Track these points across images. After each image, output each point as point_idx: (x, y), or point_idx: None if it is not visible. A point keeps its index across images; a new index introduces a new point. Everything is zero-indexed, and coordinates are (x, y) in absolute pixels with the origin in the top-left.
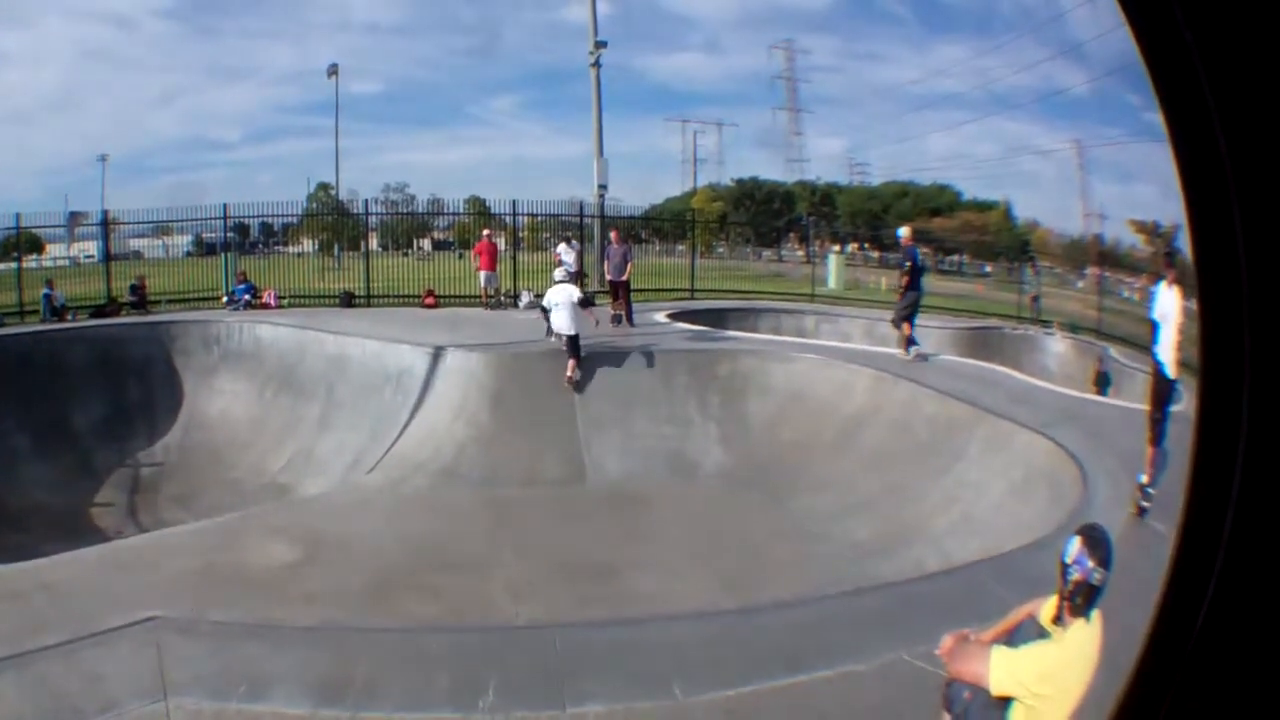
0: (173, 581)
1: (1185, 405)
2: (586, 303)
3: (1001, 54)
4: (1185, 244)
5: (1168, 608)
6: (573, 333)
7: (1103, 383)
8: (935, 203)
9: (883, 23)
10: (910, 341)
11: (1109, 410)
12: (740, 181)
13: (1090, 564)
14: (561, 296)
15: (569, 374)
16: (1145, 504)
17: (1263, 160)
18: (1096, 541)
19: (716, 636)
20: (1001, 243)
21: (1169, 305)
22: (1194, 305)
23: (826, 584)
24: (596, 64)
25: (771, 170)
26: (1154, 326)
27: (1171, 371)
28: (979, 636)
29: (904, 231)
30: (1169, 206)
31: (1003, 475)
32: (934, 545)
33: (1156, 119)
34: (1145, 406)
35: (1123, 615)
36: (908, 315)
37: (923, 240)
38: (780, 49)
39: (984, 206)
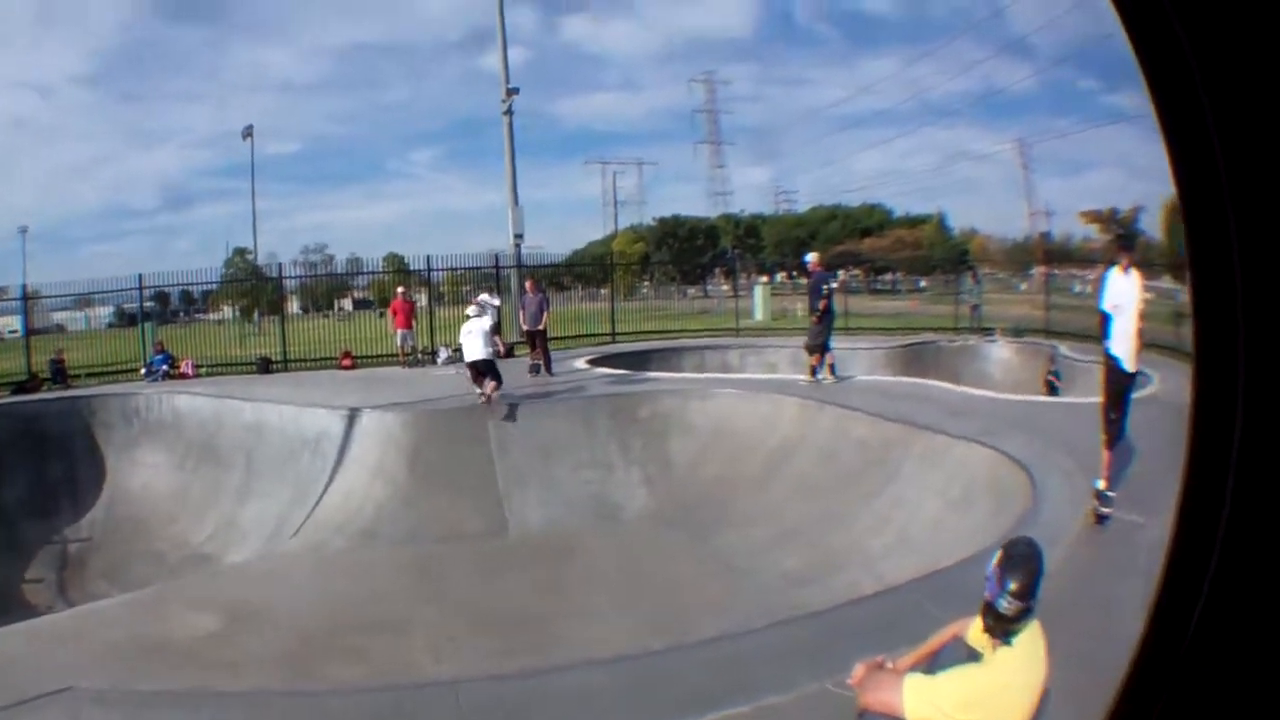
0: (101, 654)
1: (1161, 391)
2: (498, 330)
3: (934, 61)
4: (1155, 228)
5: (1162, 607)
6: (486, 356)
7: (1054, 383)
8: (865, 223)
9: (805, 45)
10: (816, 369)
11: (1061, 411)
12: (662, 220)
13: (1011, 585)
14: (474, 326)
15: (488, 392)
16: (1105, 510)
17: (1256, 156)
18: (1015, 560)
19: (634, 680)
20: (936, 255)
21: (1126, 292)
22: (1157, 288)
23: (755, 617)
24: (509, 112)
25: (695, 206)
26: (1104, 319)
27: (1130, 364)
28: (897, 663)
29: (812, 257)
30: (1134, 188)
31: (940, 491)
32: (869, 568)
33: (1115, 101)
34: (1099, 403)
35: (1091, 623)
36: (823, 341)
37: (853, 262)
38: (700, 82)
39: (917, 221)
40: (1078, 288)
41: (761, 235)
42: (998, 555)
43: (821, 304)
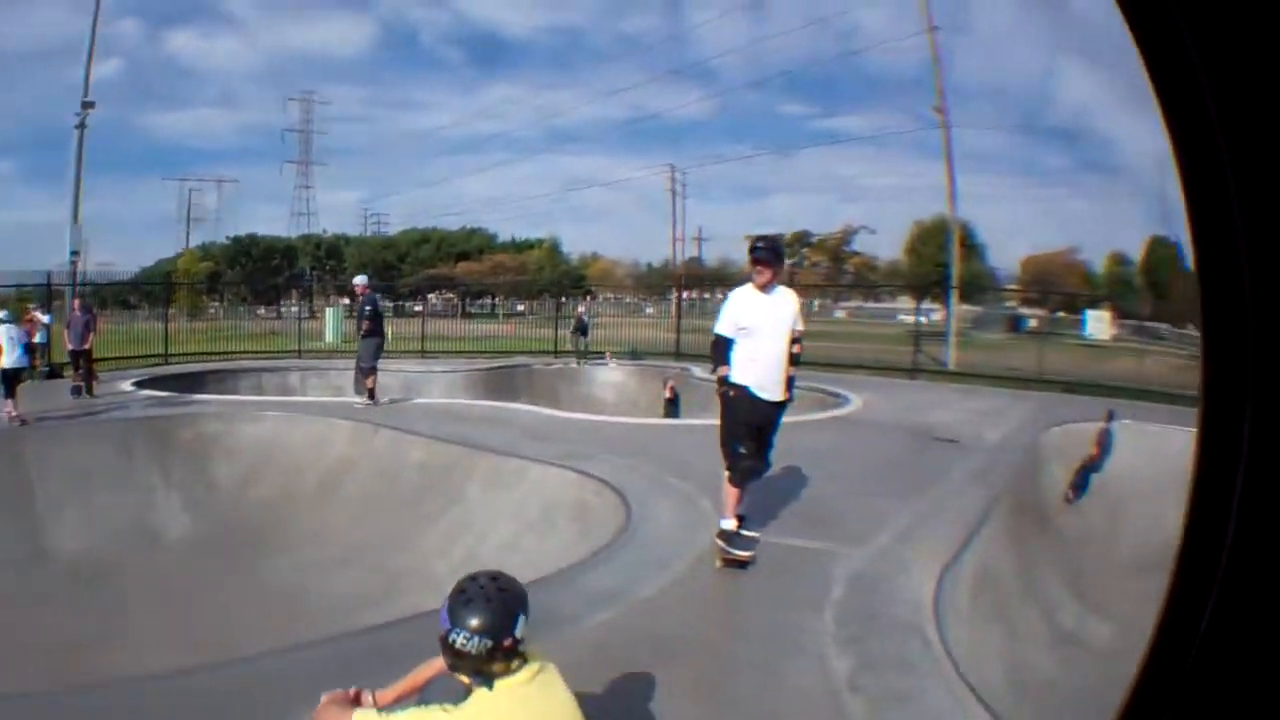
0: None
1: (860, 411)
2: (42, 349)
3: (572, 88)
4: (889, 249)
5: (1168, 619)
6: (21, 365)
7: (673, 406)
8: (463, 247)
9: (422, 67)
10: (374, 392)
11: (679, 432)
12: (236, 239)
13: (472, 621)
14: (14, 333)
15: (15, 413)
16: (740, 554)
17: (1265, 164)
18: (473, 592)
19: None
20: (544, 280)
21: (764, 313)
22: (891, 308)
23: (303, 639)
24: (82, 125)
25: (281, 226)
26: (721, 343)
27: (773, 393)
28: (380, 695)
29: (359, 280)
30: (848, 210)
31: (514, 514)
32: (436, 590)
33: (829, 125)
34: (719, 434)
35: (716, 651)
36: (374, 363)
37: (445, 286)
38: (297, 100)
39: (524, 246)
40: None
41: (344, 256)
42: (455, 586)
43: (365, 324)
